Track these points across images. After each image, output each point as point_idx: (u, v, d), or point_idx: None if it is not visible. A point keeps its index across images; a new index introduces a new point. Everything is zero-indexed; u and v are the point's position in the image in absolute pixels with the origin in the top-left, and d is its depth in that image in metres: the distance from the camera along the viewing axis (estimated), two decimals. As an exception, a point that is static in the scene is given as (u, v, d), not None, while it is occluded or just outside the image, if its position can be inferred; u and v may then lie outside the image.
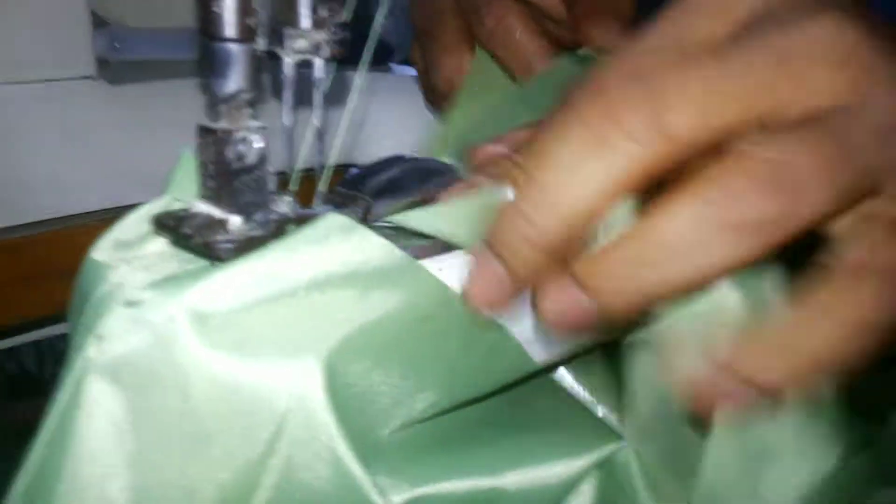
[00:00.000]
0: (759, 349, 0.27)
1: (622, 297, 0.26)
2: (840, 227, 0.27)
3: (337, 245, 0.27)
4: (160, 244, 0.29)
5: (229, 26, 0.26)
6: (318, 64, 0.29)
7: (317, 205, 0.30)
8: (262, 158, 0.28)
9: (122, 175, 0.64)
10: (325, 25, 0.28)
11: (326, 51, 0.28)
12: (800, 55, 0.25)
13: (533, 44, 0.47)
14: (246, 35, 0.26)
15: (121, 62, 0.72)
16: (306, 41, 0.28)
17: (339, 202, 0.30)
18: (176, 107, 0.68)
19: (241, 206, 0.28)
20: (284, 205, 0.29)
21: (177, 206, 0.30)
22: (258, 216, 0.28)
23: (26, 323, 0.59)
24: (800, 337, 0.26)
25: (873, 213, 0.26)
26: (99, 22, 0.69)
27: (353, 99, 0.30)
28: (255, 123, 0.27)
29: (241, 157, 0.27)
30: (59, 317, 0.67)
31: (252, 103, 0.27)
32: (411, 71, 0.73)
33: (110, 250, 0.28)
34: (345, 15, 0.28)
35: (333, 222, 0.27)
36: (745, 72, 0.25)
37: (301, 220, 0.28)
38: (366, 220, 0.30)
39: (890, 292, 0.26)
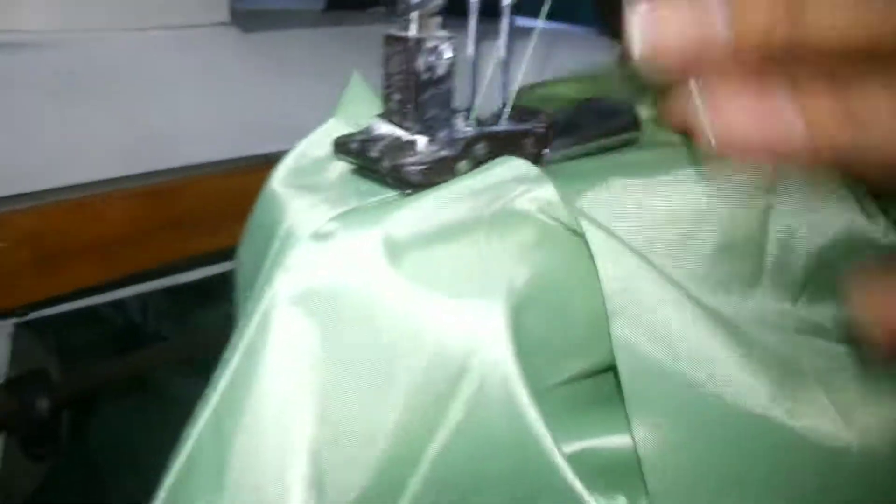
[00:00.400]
0: None
1: None
2: None
3: (518, 190, 0.25)
4: (339, 169, 0.28)
5: None
6: (507, 5, 0.27)
7: (498, 118, 0.28)
8: (450, 71, 0.26)
9: (254, 123, 0.64)
10: None
11: None
12: None
13: None
14: None
15: (248, 11, 0.72)
16: None
17: (521, 118, 0.28)
18: (306, 56, 0.68)
19: (426, 121, 0.26)
20: (466, 121, 0.27)
21: (353, 127, 0.28)
22: (443, 134, 0.26)
23: (166, 268, 0.60)
24: None
25: None
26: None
27: (535, 35, 0.28)
28: (444, 33, 0.26)
29: (430, 68, 0.26)
30: (194, 262, 0.68)
31: (442, 11, 0.26)
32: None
33: (289, 179, 0.27)
34: None
35: (517, 168, 0.25)
36: None
37: (484, 139, 0.27)
38: (548, 133, 0.28)
39: None
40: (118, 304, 0.85)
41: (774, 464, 0.27)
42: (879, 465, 0.27)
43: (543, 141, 0.28)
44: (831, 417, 0.27)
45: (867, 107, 0.22)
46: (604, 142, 0.31)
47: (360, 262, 0.25)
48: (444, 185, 0.26)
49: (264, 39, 0.65)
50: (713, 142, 0.23)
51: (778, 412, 0.26)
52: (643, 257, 0.26)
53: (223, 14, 0.61)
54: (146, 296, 0.72)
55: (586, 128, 0.30)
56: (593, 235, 0.25)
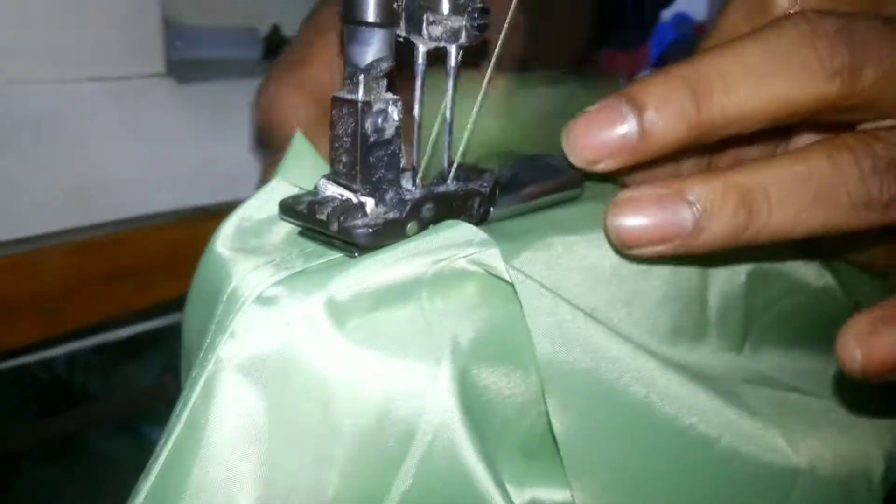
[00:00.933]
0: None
1: None
2: None
3: (464, 253, 0.26)
4: (285, 230, 0.28)
5: (372, 10, 0.25)
6: (453, 51, 0.27)
7: (444, 179, 0.28)
8: (398, 132, 0.26)
9: (190, 175, 0.64)
10: (464, 11, 0.27)
11: (464, 37, 0.27)
12: None
13: None
14: (389, 19, 0.25)
15: (184, 61, 0.72)
16: (443, 27, 0.27)
17: (466, 176, 0.28)
18: (243, 106, 0.67)
19: (374, 183, 0.26)
20: (413, 182, 0.27)
21: (296, 188, 0.28)
22: (390, 195, 0.26)
23: (96, 327, 0.58)
24: None
25: None
26: (165, 21, 0.68)
27: (483, 91, 0.29)
28: (391, 96, 0.26)
29: (378, 131, 0.26)
30: (126, 318, 0.66)
31: (389, 75, 0.26)
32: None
33: (233, 241, 0.27)
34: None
35: (464, 233, 0.26)
36: None
37: (431, 200, 0.27)
38: (493, 193, 0.29)
39: None
40: (44, 361, 0.82)
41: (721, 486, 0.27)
42: (826, 491, 0.28)
43: (489, 200, 0.28)
44: (780, 445, 0.27)
45: (761, 187, 0.25)
46: (547, 199, 0.31)
47: (304, 326, 0.24)
48: (389, 248, 0.26)
49: (200, 90, 0.64)
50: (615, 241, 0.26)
51: (725, 442, 0.27)
52: (579, 312, 0.26)
53: (158, 65, 0.61)
54: (74, 352, 0.70)
55: (530, 185, 0.31)
56: (524, 292, 0.25)
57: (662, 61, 1.58)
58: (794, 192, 0.25)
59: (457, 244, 0.26)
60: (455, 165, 0.28)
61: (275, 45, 0.81)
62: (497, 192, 0.29)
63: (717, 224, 0.25)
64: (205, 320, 0.26)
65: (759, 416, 0.28)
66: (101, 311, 0.57)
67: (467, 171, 0.29)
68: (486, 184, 0.28)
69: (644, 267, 0.29)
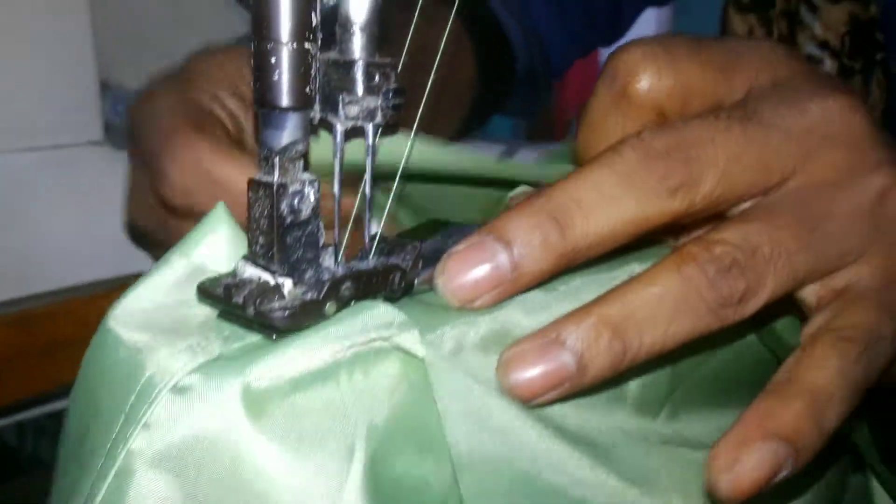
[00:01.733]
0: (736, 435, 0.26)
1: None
2: (809, 295, 0.29)
3: (382, 334, 0.26)
4: (202, 313, 0.27)
5: (287, 95, 0.25)
6: (371, 130, 0.28)
7: (365, 255, 0.28)
8: (315, 213, 0.26)
9: (127, 241, 0.63)
10: (379, 91, 0.27)
11: (380, 117, 0.27)
12: (814, 131, 0.28)
13: None
14: (303, 102, 0.25)
15: (126, 126, 0.71)
16: (360, 107, 0.27)
17: (387, 250, 0.29)
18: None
19: (293, 263, 0.26)
20: (333, 259, 0.27)
21: (210, 265, 0.28)
22: (309, 275, 0.26)
23: (40, 397, 0.57)
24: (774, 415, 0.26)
25: (841, 285, 0.29)
26: (102, 85, 0.68)
27: (404, 162, 0.29)
28: (308, 176, 0.26)
29: (295, 212, 0.26)
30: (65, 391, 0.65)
31: (305, 155, 0.26)
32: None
33: (143, 322, 0.26)
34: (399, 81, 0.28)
35: (382, 315, 0.26)
36: (765, 144, 0.28)
37: (351, 278, 0.27)
38: (416, 266, 0.29)
39: (856, 359, 0.27)
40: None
41: None
42: None
43: (411, 275, 0.28)
44: None
45: (627, 314, 0.26)
46: None
47: (220, 417, 0.24)
48: (309, 331, 0.26)
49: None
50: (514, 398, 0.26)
51: None
52: (494, 393, 0.26)
53: (95, 133, 0.61)
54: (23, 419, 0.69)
55: None
56: (436, 374, 0.25)
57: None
58: (656, 312, 0.26)
59: (375, 326, 0.25)
60: (377, 240, 0.28)
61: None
62: (420, 264, 0.29)
63: (598, 360, 0.26)
64: (110, 411, 0.25)
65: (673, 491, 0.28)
66: (39, 386, 0.56)
67: (390, 245, 0.29)
68: (408, 257, 0.28)
69: None
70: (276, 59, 0.25)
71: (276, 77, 0.25)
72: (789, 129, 0.28)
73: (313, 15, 0.25)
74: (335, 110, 0.27)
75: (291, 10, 0.25)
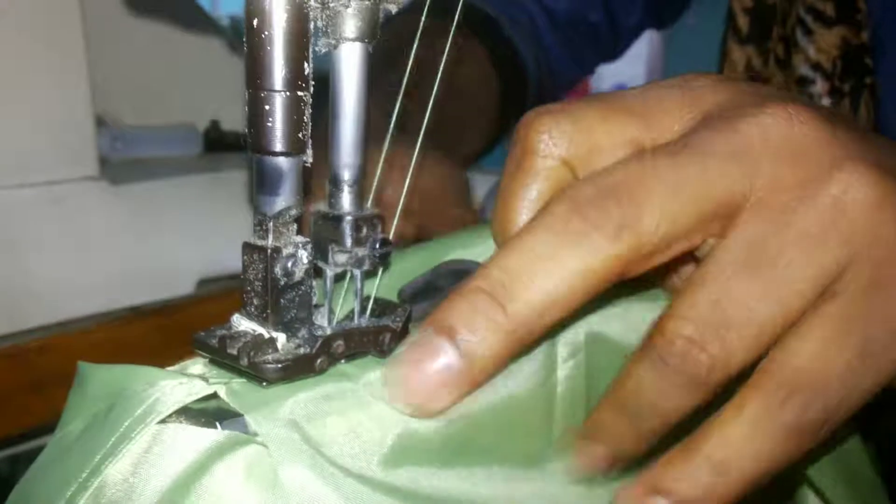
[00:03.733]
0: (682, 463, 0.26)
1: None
2: None
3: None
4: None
5: (281, 141, 0.26)
6: (358, 275, 0.29)
7: (357, 315, 0.29)
8: (308, 274, 0.27)
9: (119, 276, 0.64)
10: (366, 242, 0.28)
11: (367, 264, 0.29)
12: (751, 150, 0.26)
13: None
14: (297, 148, 0.26)
15: (122, 161, 0.72)
16: (348, 256, 0.28)
17: (380, 311, 0.29)
18: (176, 204, 0.68)
19: (286, 323, 0.27)
20: (325, 318, 0.28)
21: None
22: (302, 332, 0.27)
23: (31, 431, 0.57)
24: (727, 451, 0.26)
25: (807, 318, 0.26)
26: (99, 121, 0.69)
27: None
28: (301, 239, 0.27)
29: (288, 275, 0.27)
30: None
31: (298, 219, 0.27)
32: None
33: None
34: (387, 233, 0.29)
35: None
36: (702, 172, 0.26)
37: (342, 337, 0.28)
38: (406, 327, 0.30)
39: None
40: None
41: None
42: None
43: (402, 335, 0.29)
44: None
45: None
46: None
47: None
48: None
49: (134, 190, 0.65)
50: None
51: None
52: (323, 461, 0.26)
53: (91, 168, 0.61)
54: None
55: (442, 291, 0.32)
56: (274, 445, 0.25)
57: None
58: (642, 403, 0.26)
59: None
60: (371, 301, 0.29)
61: (215, 140, 0.82)
62: (409, 326, 0.30)
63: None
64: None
65: None
66: (28, 421, 0.56)
67: (382, 307, 0.30)
68: (398, 318, 0.29)
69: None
70: (270, 107, 0.26)
71: (269, 123, 0.26)
72: (724, 152, 0.26)
73: (305, 64, 0.26)
74: (325, 258, 0.28)
75: (284, 60, 0.26)
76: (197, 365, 0.28)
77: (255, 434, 0.25)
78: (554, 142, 0.28)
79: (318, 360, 0.27)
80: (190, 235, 0.66)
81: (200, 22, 0.81)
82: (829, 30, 0.59)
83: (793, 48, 0.61)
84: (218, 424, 0.25)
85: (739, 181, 0.26)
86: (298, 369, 0.27)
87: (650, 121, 0.28)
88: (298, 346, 0.27)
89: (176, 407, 0.25)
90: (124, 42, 0.75)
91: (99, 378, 0.28)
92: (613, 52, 0.83)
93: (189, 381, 0.26)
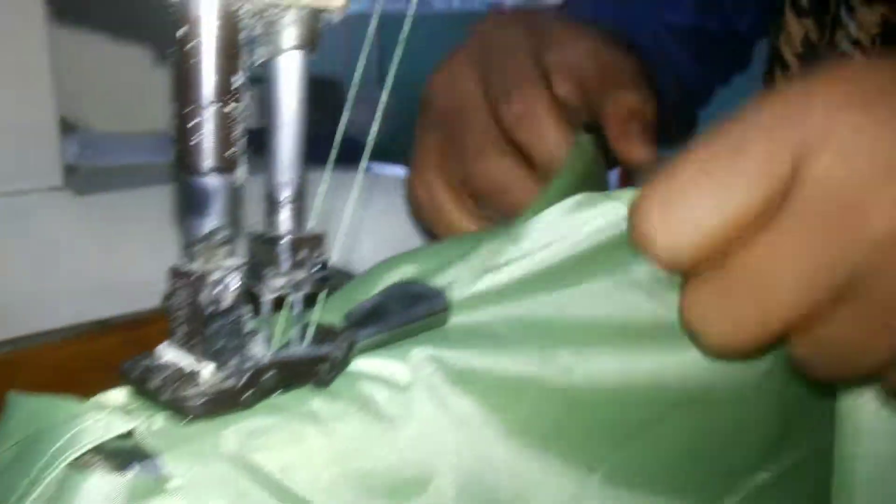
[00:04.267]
0: None
1: None
2: None
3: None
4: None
5: (208, 158, 0.24)
6: (297, 299, 0.27)
7: (295, 343, 0.27)
8: (239, 300, 0.25)
9: (85, 288, 0.62)
10: (304, 265, 0.27)
11: (306, 287, 0.27)
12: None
13: (557, 132, 0.47)
14: (226, 166, 0.25)
15: (89, 169, 0.70)
16: (285, 279, 0.27)
17: (320, 338, 0.28)
18: (143, 214, 0.66)
19: (215, 352, 0.25)
20: (260, 346, 0.27)
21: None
22: (233, 362, 0.26)
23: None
24: None
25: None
26: (66, 126, 0.67)
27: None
28: (232, 262, 0.25)
29: (216, 301, 0.25)
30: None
31: (229, 241, 0.25)
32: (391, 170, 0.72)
33: None
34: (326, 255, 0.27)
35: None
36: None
37: (275, 367, 0.26)
38: (349, 355, 0.28)
39: None
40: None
41: None
42: None
43: (342, 364, 0.27)
44: None
45: None
46: (410, 328, 0.30)
47: None
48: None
49: (100, 200, 0.63)
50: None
51: None
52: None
53: (55, 178, 0.59)
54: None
55: (392, 315, 0.30)
56: (193, 486, 0.24)
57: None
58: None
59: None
60: (311, 328, 0.28)
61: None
62: (351, 355, 0.28)
63: None
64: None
65: None
66: None
67: (323, 333, 0.28)
68: (339, 346, 0.27)
69: None
70: (198, 122, 0.24)
71: (197, 140, 0.24)
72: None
73: (236, 76, 0.25)
74: (261, 283, 0.27)
75: (214, 71, 0.24)
76: (122, 393, 0.27)
77: (171, 476, 0.23)
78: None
79: (245, 395, 0.25)
80: (159, 247, 0.64)
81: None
82: (870, 7, 0.59)
83: (837, 25, 0.61)
84: (135, 464, 0.23)
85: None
86: (223, 404, 0.25)
87: None
88: (226, 377, 0.25)
89: (91, 446, 0.24)
90: (96, 46, 0.73)
91: (27, 409, 0.26)
92: (742, 59, 0.81)
93: (108, 416, 0.24)
